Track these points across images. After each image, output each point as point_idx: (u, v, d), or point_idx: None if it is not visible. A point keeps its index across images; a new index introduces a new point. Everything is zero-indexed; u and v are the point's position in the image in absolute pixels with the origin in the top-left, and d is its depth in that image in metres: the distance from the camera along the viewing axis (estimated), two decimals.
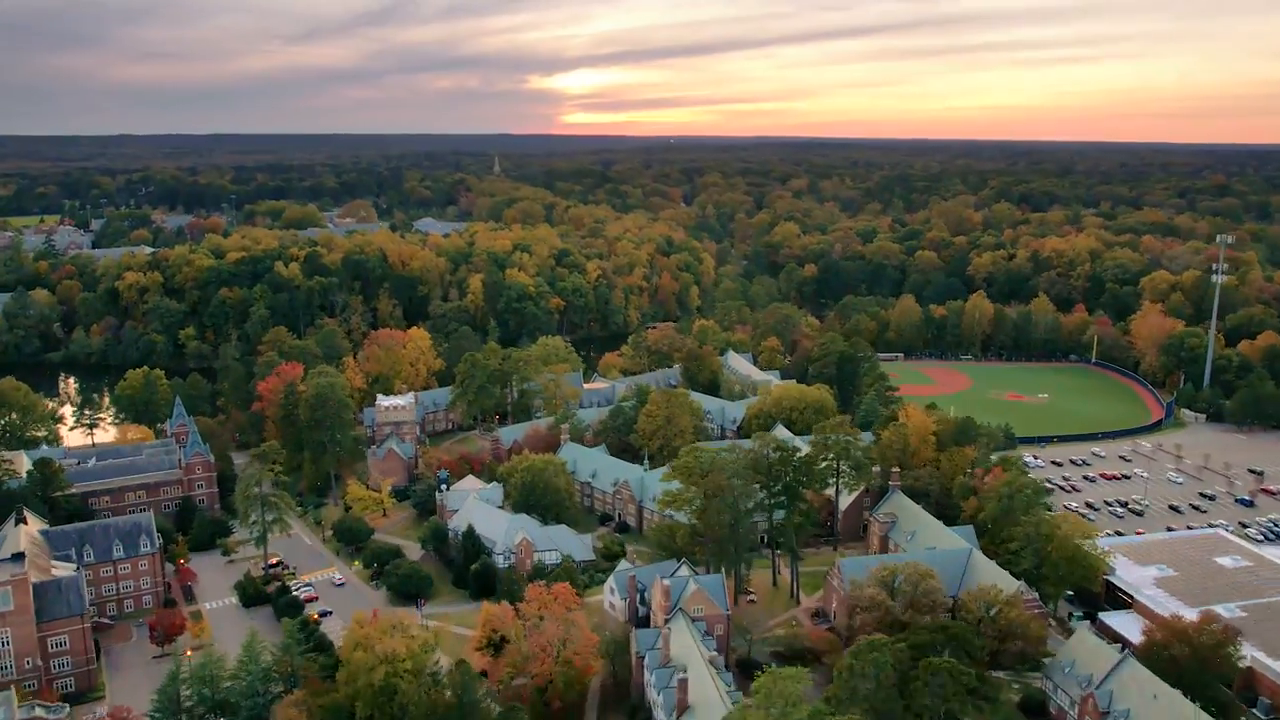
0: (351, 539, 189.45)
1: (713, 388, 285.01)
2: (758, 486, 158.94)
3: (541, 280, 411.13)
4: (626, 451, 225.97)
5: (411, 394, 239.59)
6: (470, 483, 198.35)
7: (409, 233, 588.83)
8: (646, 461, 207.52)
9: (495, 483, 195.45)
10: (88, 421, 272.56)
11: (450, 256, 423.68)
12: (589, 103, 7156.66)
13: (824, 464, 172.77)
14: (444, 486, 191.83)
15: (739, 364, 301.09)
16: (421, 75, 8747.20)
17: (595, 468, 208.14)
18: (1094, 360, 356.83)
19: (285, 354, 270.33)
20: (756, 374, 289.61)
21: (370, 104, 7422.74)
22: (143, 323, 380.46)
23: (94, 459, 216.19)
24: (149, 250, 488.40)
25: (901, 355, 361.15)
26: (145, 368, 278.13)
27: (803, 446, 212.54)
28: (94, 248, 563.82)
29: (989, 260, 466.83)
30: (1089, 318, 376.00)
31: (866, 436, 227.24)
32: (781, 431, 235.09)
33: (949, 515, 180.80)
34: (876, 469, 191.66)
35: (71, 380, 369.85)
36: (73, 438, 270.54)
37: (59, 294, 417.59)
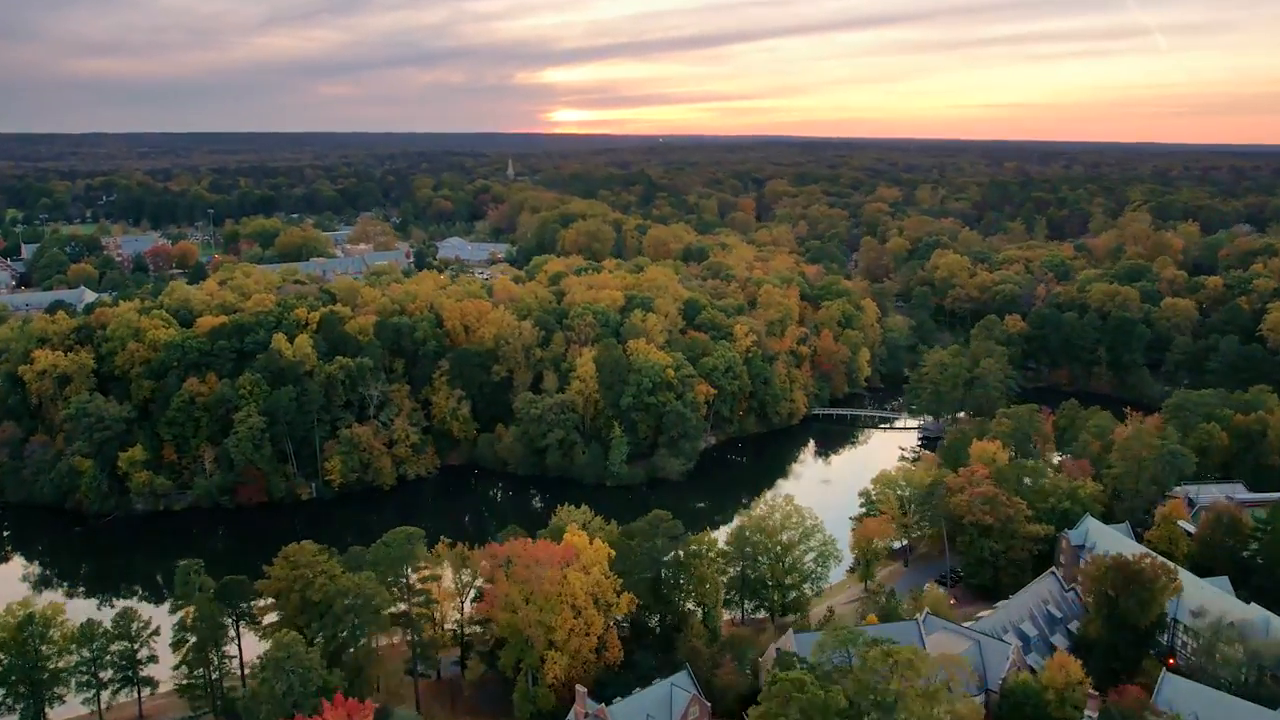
0: None
1: (1148, 635, 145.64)
2: None
3: (678, 355, 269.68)
4: None
5: None
6: None
7: (432, 258, 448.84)
8: None
9: None
10: None
11: (536, 318, 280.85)
12: (580, 99, 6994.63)
13: None
14: None
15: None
16: (402, 69, 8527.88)
17: None
18: None
19: (314, 606, 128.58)
20: (1217, 601, 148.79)
21: (348, 100, 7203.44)
22: (62, 435, 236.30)
23: None
24: (86, 298, 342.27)
25: None
26: (36, 600, 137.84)
27: None
28: (21, 285, 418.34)
29: None
30: None
31: None
32: None
33: None
34: None
35: None
36: None
37: None
